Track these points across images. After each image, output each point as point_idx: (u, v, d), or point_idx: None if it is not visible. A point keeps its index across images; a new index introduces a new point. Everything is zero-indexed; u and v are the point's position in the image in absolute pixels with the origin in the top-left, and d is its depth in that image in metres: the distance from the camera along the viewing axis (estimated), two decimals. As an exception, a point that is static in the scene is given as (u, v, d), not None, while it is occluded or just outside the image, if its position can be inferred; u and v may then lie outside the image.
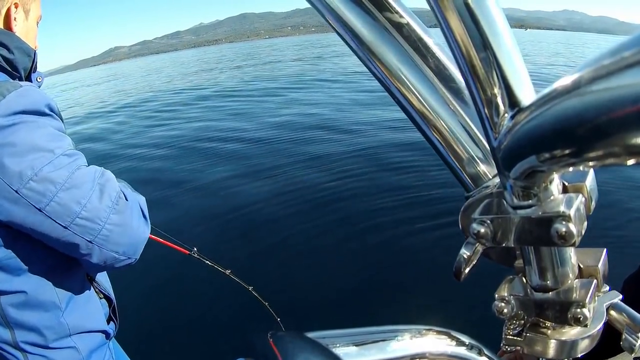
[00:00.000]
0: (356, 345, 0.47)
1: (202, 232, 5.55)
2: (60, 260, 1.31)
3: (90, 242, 1.20)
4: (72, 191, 1.16)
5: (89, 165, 1.26)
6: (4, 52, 1.24)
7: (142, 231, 1.34)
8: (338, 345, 0.46)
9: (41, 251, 1.25)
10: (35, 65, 1.36)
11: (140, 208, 1.35)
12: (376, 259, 4.80)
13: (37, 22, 1.41)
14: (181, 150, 10.11)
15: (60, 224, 1.16)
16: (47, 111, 1.20)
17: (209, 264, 2.24)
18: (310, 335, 0.42)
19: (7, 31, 1.27)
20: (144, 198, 1.39)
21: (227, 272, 2.34)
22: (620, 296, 0.48)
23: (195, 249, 2.12)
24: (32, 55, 1.33)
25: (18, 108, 1.12)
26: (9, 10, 1.27)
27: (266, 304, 2.57)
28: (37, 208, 1.13)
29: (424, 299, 4.04)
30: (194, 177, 8.02)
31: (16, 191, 1.10)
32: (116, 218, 1.24)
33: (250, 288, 2.49)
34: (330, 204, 6.24)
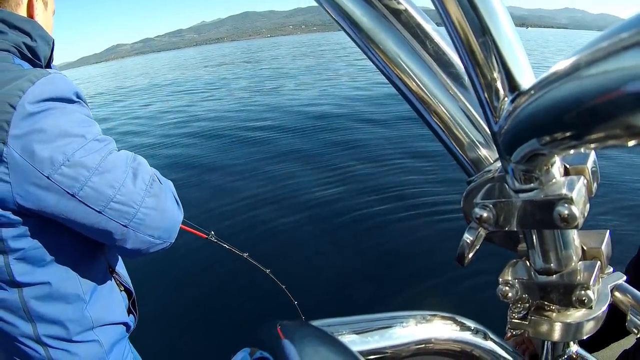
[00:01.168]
0: (362, 333, 0.47)
1: (219, 216, 5.57)
2: (85, 251, 1.31)
3: (125, 226, 1.20)
4: (106, 175, 1.16)
5: (119, 150, 1.26)
6: (27, 40, 1.25)
7: (177, 214, 1.34)
8: (344, 332, 0.46)
9: (67, 242, 1.25)
10: (53, 54, 1.37)
11: (172, 192, 1.36)
12: (386, 246, 4.83)
13: (52, 15, 1.42)
14: (200, 137, 10.14)
15: (94, 209, 1.15)
16: (75, 98, 1.20)
17: (227, 247, 2.23)
18: (316, 323, 0.42)
19: (30, 19, 1.27)
20: (172, 183, 1.39)
21: (245, 255, 2.34)
22: (625, 277, 0.48)
23: (212, 232, 2.12)
24: (51, 44, 1.33)
25: (46, 95, 1.12)
26: (31, 0, 1.28)
27: (284, 286, 2.57)
28: (70, 194, 1.12)
29: (428, 285, 4.06)
30: (212, 161, 8.04)
31: (47, 177, 1.10)
32: (151, 201, 1.24)
33: (268, 271, 2.49)
34: (348, 192, 6.27)
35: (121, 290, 1.50)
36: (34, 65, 1.28)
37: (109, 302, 1.41)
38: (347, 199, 6.00)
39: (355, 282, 4.21)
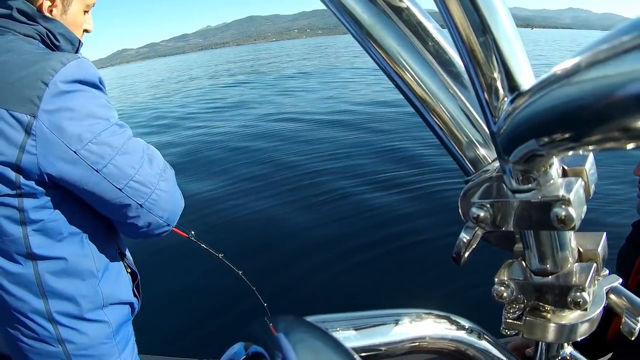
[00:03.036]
0: (356, 329, 0.47)
1: (200, 217, 5.58)
2: (98, 228, 1.37)
3: (140, 205, 1.28)
4: (127, 156, 1.25)
5: (136, 137, 1.33)
6: (52, 38, 1.32)
7: (181, 200, 1.44)
8: (338, 329, 0.46)
9: (82, 217, 1.31)
10: (77, 52, 1.42)
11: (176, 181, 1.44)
12: (373, 243, 4.81)
13: (86, 11, 1.45)
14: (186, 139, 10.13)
15: (116, 186, 1.23)
16: (99, 85, 1.27)
17: (204, 247, 2.27)
18: (310, 319, 0.42)
19: (51, 17, 1.32)
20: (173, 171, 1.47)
21: (220, 255, 2.38)
22: (620, 280, 0.48)
23: (192, 232, 2.16)
24: (76, 45, 1.40)
25: (76, 77, 1.19)
26: (41, 5, 1.30)
27: (254, 288, 2.60)
28: (94, 169, 1.20)
29: (423, 283, 4.06)
30: (195, 163, 8.04)
31: (75, 152, 1.17)
32: (164, 185, 1.33)
33: (240, 272, 2.53)
34: (323, 191, 6.28)
35: (128, 272, 1.54)
36: None
37: (118, 282, 1.46)
38: (324, 200, 5.99)
39: (333, 285, 4.21)
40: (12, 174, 1.16)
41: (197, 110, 13.63)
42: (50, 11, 1.32)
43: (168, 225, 1.39)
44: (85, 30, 1.48)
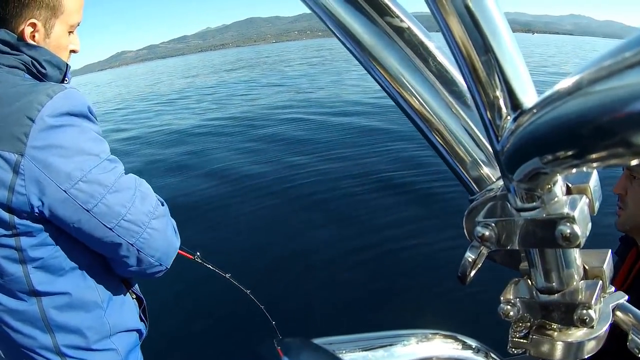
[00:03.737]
0: (363, 351, 0.47)
1: (204, 236, 5.56)
2: (100, 259, 1.34)
3: (131, 244, 1.25)
4: (118, 194, 1.22)
5: (127, 174, 1.30)
6: (38, 66, 1.27)
7: (175, 241, 1.39)
8: (345, 350, 0.46)
9: (82, 250, 1.28)
10: (67, 76, 1.38)
11: (172, 222, 1.40)
12: (378, 263, 4.79)
13: (71, 32, 1.40)
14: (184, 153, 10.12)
15: (106, 225, 1.20)
16: (89, 115, 1.23)
17: (211, 267, 2.26)
18: (317, 341, 0.42)
19: (35, 45, 1.28)
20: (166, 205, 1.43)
21: (227, 275, 2.36)
22: (626, 297, 0.48)
23: (198, 253, 2.15)
24: (63, 69, 1.35)
25: (64, 109, 1.16)
26: (22, 32, 1.27)
27: (262, 307, 2.58)
28: (84, 209, 1.17)
29: (429, 303, 4.03)
30: (197, 179, 8.03)
31: (65, 191, 1.14)
32: (156, 223, 1.29)
33: (248, 292, 2.51)
34: (330, 209, 6.24)
35: (133, 298, 1.53)
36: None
37: (124, 309, 1.44)
38: (332, 218, 5.96)
39: (340, 303, 4.18)
40: (5, 215, 1.15)
41: (199, 123, 13.60)
42: (33, 37, 1.29)
43: (161, 265, 1.35)
44: (72, 51, 1.44)
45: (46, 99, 1.13)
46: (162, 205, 1.38)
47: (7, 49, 1.23)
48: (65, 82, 1.39)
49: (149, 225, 1.27)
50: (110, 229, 1.20)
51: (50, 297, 1.26)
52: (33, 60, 1.26)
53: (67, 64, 1.37)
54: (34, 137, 1.11)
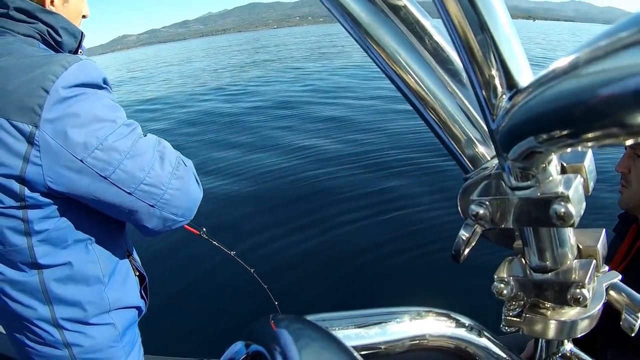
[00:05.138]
0: (356, 328, 0.47)
1: (212, 213, 5.57)
2: (104, 233, 1.35)
3: (152, 206, 1.25)
4: (136, 159, 1.21)
5: (146, 135, 1.30)
6: (51, 32, 1.27)
7: (198, 194, 1.39)
8: (338, 327, 0.46)
9: (88, 223, 1.29)
10: (81, 45, 1.39)
11: (193, 172, 1.39)
12: (375, 242, 4.81)
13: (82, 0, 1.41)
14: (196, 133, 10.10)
15: (125, 191, 1.20)
16: (103, 84, 1.23)
17: (216, 244, 2.27)
18: (310, 317, 0.42)
19: (51, 11, 1.28)
20: (192, 162, 1.43)
21: (232, 253, 2.37)
22: (620, 276, 0.48)
23: (204, 229, 2.16)
24: (78, 37, 1.35)
25: (79, 80, 1.15)
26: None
27: (265, 286, 2.60)
28: (102, 176, 1.17)
29: (423, 281, 4.06)
30: (207, 160, 8.03)
31: (81, 160, 1.14)
32: (177, 183, 1.29)
33: (252, 270, 2.52)
34: (331, 190, 6.26)
35: (136, 275, 1.53)
36: (58, 52, 1.29)
37: (125, 285, 1.45)
38: (332, 200, 5.98)
39: (339, 282, 4.23)
40: (16, 186, 1.14)
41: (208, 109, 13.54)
42: (52, 2, 1.29)
43: (185, 219, 1.36)
44: (83, 16, 1.44)
45: (61, 69, 1.13)
46: (185, 165, 1.36)
47: (24, 17, 1.23)
48: (79, 52, 1.39)
49: (170, 186, 1.27)
50: (129, 193, 1.20)
51: (52, 269, 1.26)
52: (49, 29, 1.26)
53: (82, 32, 1.37)
54: (49, 108, 1.10)
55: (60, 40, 1.29)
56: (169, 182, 1.26)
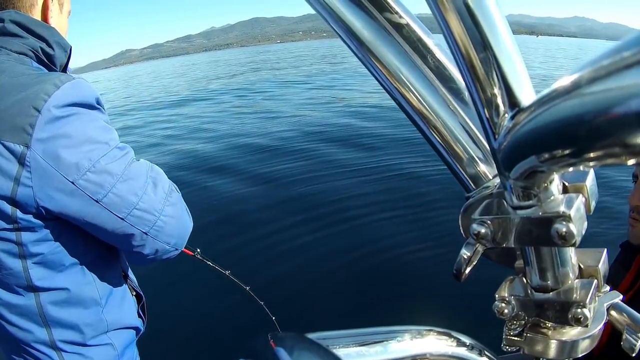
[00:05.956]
0: (357, 346, 0.47)
1: (205, 233, 5.56)
2: (100, 255, 1.32)
3: (145, 233, 1.21)
4: (129, 183, 1.18)
5: (139, 160, 1.27)
6: (44, 46, 1.25)
7: (189, 223, 1.37)
8: (339, 346, 0.46)
9: (82, 246, 1.26)
10: (69, 61, 1.36)
11: (184, 202, 1.37)
12: (374, 261, 4.80)
13: (67, 17, 1.41)
14: (185, 153, 10.10)
15: (118, 215, 1.17)
16: (97, 104, 1.21)
17: (210, 264, 2.26)
18: (311, 336, 0.42)
19: (47, 25, 1.27)
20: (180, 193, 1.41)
21: (227, 272, 2.36)
22: (621, 296, 0.48)
23: (198, 250, 2.15)
24: (67, 51, 1.33)
25: (72, 100, 1.12)
26: (46, 1, 1.27)
27: (262, 303, 2.59)
28: (94, 199, 1.13)
29: (424, 300, 4.04)
30: (197, 179, 8.02)
31: (72, 182, 1.10)
32: (170, 210, 1.26)
33: (248, 288, 2.51)
34: (327, 207, 6.24)
35: (133, 295, 1.51)
36: (50, 70, 1.28)
37: (123, 306, 1.43)
38: (330, 215, 5.96)
39: (338, 299, 4.19)
40: (7, 208, 1.11)
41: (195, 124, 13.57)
42: (46, 17, 1.28)
43: (176, 250, 1.33)
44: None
45: (53, 88, 1.10)
46: (177, 192, 1.34)
47: (18, 31, 1.21)
48: (67, 66, 1.37)
49: (163, 213, 1.23)
50: (122, 219, 1.17)
51: (48, 292, 1.24)
52: (43, 43, 1.24)
53: (70, 47, 1.35)
54: (40, 128, 1.07)
55: (52, 53, 1.26)
56: (162, 209, 1.24)
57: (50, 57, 1.27)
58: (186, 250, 2.04)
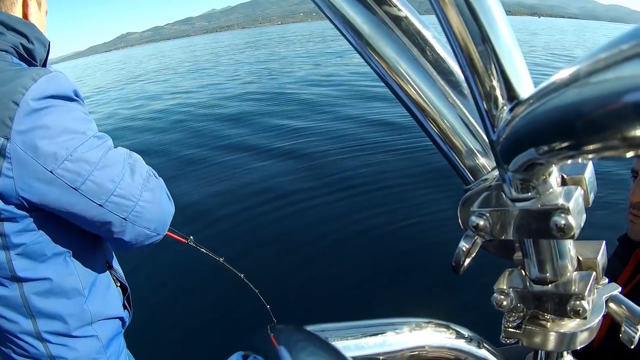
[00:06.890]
0: (356, 338, 0.47)
1: (198, 220, 5.55)
2: (83, 246, 1.34)
3: (124, 219, 1.24)
4: (106, 170, 1.20)
5: (117, 147, 1.29)
6: (24, 42, 1.27)
7: (170, 208, 1.39)
8: (338, 338, 0.46)
9: (65, 236, 1.28)
10: (48, 56, 1.38)
11: (164, 188, 1.39)
12: (373, 250, 4.79)
13: (45, 15, 1.42)
14: (177, 139, 10.07)
15: (96, 202, 1.19)
16: (74, 96, 1.23)
17: (204, 251, 2.26)
18: (310, 328, 0.42)
19: (27, 21, 1.29)
20: (162, 180, 1.42)
21: (221, 259, 2.36)
22: (619, 288, 0.48)
23: (191, 237, 2.15)
24: (47, 46, 1.35)
25: (49, 92, 1.15)
26: (24, 8, 1.29)
27: (257, 291, 2.58)
28: (72, 187, 1.16)
29: (423, 292, 4.04)
30: (189, 166, 8.00)
31: (51, 172, 1.13)
32: (148, 195, 1.29)
33: (242, 275, 2.51)
34: (324, 195, 6.23)
35: (117, 286, 1.52)
36: (30, 65, 1.29)
37: (107, 297, 1.44)
38: (327, 204, 5.96)
39: (335, 290, 4.17)
40: None
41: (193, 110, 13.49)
42: (26, 14, 1.30)
43: (158, 234, 1.35)
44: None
45: (30, 82, 1.13)
46: (156, 177, 1.37)
47: (0, 29, 1.23)
48: (46, 61, 1.39)
49: (141, 198, 1.26)
50: (100, 205, 1.20)
51: (32, 283, 1.26)
52: (23, 40, 1.26)
53: (49, 42, 1.37)
54: (19, 120, 1.10)
55: (32, 48, 1.28)
56: (140, 194, 1.27)
57: (30, 51, 1.29)
58: (179, 237, 2.04)
